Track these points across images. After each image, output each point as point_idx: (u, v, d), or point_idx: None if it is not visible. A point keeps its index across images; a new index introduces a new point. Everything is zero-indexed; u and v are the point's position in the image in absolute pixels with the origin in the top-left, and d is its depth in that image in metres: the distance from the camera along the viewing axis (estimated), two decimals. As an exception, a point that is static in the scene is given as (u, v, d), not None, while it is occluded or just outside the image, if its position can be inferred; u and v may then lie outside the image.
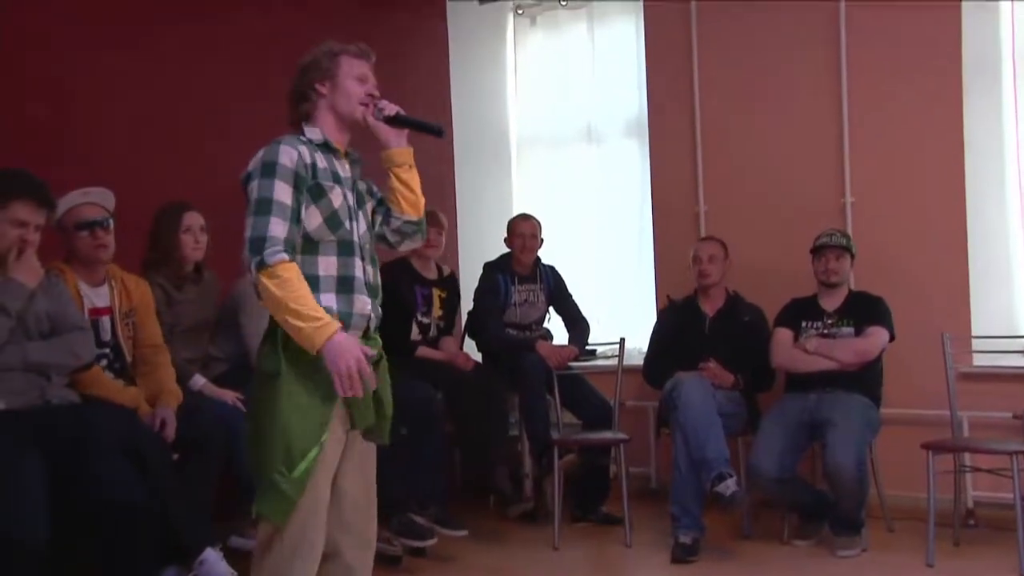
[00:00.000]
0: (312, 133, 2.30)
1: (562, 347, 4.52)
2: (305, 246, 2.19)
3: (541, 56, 5.59)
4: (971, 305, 4.27)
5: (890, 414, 4.07)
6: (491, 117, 5.64)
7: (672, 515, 3.83)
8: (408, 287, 4.26)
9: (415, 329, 4.30)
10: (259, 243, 2.12)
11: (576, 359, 4.53)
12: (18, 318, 2.75)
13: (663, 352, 4.28)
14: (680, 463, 3.80)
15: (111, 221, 3.12)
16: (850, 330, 4.01)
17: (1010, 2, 4.33)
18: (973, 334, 4.22)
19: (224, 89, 4.14)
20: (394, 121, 2.33)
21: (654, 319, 4.55)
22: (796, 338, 4.05)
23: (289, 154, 2.19)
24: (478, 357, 4.61)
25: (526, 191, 5.64)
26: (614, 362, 4.52)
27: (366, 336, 2.25)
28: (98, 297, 3.13)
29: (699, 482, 3.74)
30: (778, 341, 4.08)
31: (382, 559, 3.50)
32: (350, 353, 2.09)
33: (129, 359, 3.17)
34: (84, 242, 3.08)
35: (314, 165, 2.22)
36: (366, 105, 2.32)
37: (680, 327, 4.27)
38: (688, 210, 4.86)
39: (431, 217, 4.37)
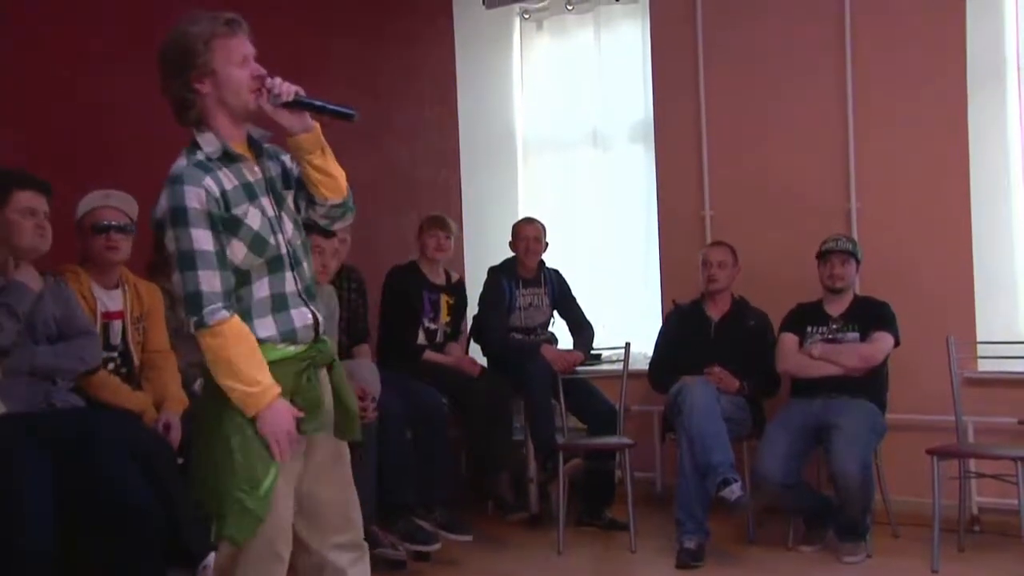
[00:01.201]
0: (207, 143, 2.09)
1: (567, 351, 4.52)
2: (236, 279, 2.07)
3: (547, 60, 5.59)
4: (976, 310, 4.25)
5: (895, 419, 4.05)
6: (498, 121, 5.64)
7: (677, 520, 3.81)
8: (416, 292, 4.26)
9: (421, 334, 4.30)
10: (195, 300, 2.01)
11: (581, 363, 4.53)
12: (26, 322, 2.75)
13: (668, 356, 4.27)
14: (685, 468, 3.79)
15: (132, 227, 3.09)
16: (855, 335, 3.99)
17: (1014, 5, 4.31)
18: (978, 339, 4.20)
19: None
20: (294, 106, 2.08)
21: (659, 323, 4.54)
22: (801, 343, 4.05)
23: (196, 195, 2.01)
24: (484, 361, 4.59)
25: (532, 195, 5.63)
26: (619, 366, 4.52)
27: (316, 341, 2.16)
28: (111, 301, 3.11)
29: (704, 487, 3.72)
30: (783, 346, 4.07)
31: (386, 563, 3.54)
32: (281, 425, 2.04)
33: (137, 363, 3.15)
34: (97, 244, 3.06)
35: (223, 194, 2.05)
36: (258, 91, 2.09)
37: (685, 332, 4.27)
38: (694, 214, 4.84)
39: (438, 221, 4.38)
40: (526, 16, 5.61)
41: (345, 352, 4.10)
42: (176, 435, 3.04)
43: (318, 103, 2.11)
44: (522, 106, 5.64)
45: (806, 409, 3.92)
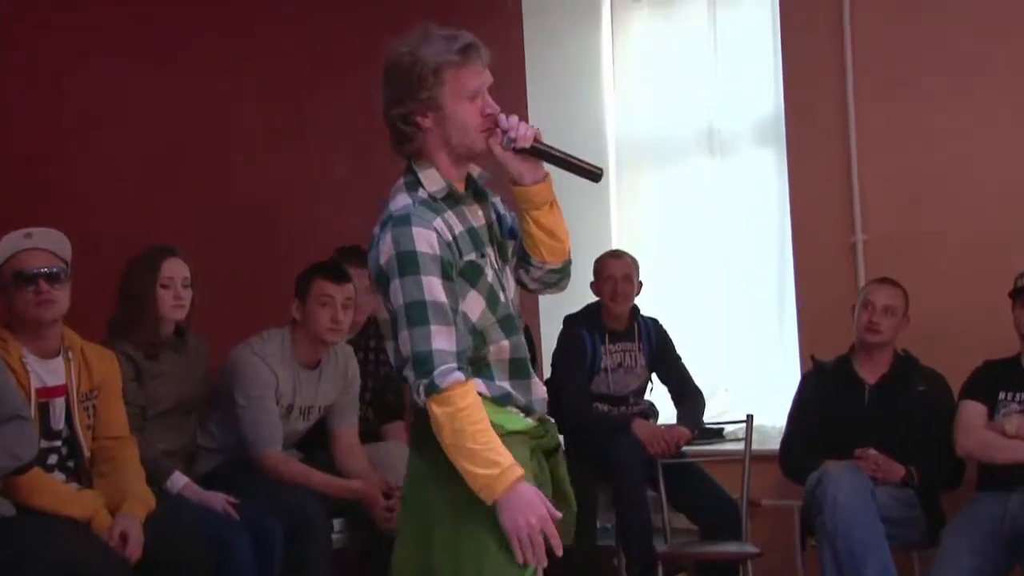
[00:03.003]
0: (431, 181, 2.27)
1: (668, 427, 4.45)
2: (473, 341, 2.25)
3: (647, 44, 5.58)
4: None
5: None
6: (582, 123, 5.61)
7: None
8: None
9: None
10: (425, 360, 2.15)
11: (689, 442, 4.45)
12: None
13: (806, 433, 4.20)
14: (830, 585, 3.77)
15: (66, 273, 3.09)
16: None
17: None
18: None
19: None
20: (530, 153, 2.26)
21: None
22: (992, 415, 3.94)
23: (427, 238, 2.18)
24: (560, 438, 4.49)
25: (628, 219, 5.63)
26: (741, 446, 4.44)
27: (542, 420, 2.35)
28: (50, 374, 3.10)
29: (856, 612, 3.69)
30: (966, 419, 3.96)
31: None
32: (532, 510, 2.14)
33: (87, 454, 3.15)
34: (23, 298, 3.04)
35: (455, 240, 2.23)
36: (489, 131, 2.27)
37: (830, 399, 4.19)
38: (841, 241, 4.76)
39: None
40: (618, -15, 5.65)
41: (373, 432, 4.08)
42: (135, 548, 2.99)
43: (558, 153, 2.28)
44: (614, 103, 5.65)
45: (999, 508, 3.77)
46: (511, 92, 5.37)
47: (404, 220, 2.19)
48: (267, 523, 3.31)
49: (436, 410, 2.14)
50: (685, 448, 4.43)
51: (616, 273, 4.51)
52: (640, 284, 4.59)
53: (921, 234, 4.57)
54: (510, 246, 2.37)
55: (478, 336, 2.25)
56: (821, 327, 4.63)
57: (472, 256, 2.25)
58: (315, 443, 3.84)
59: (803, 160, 4.87)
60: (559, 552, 2.19)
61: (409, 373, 2.16)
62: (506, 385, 2.26)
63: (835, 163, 4.75)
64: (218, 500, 3.32)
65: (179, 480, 3.35)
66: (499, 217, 2.37)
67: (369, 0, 4.88)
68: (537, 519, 2.13)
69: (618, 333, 4.55)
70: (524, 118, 5.59)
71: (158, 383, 3.44)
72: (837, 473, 3.81)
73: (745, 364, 5.23)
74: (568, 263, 2.40)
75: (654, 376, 4.66)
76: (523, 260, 2.38)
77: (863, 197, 4.70)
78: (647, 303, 4.78)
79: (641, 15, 5.57)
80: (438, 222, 2.21)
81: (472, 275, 2.24)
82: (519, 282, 2.42)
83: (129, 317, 3.44)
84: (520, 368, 2.29)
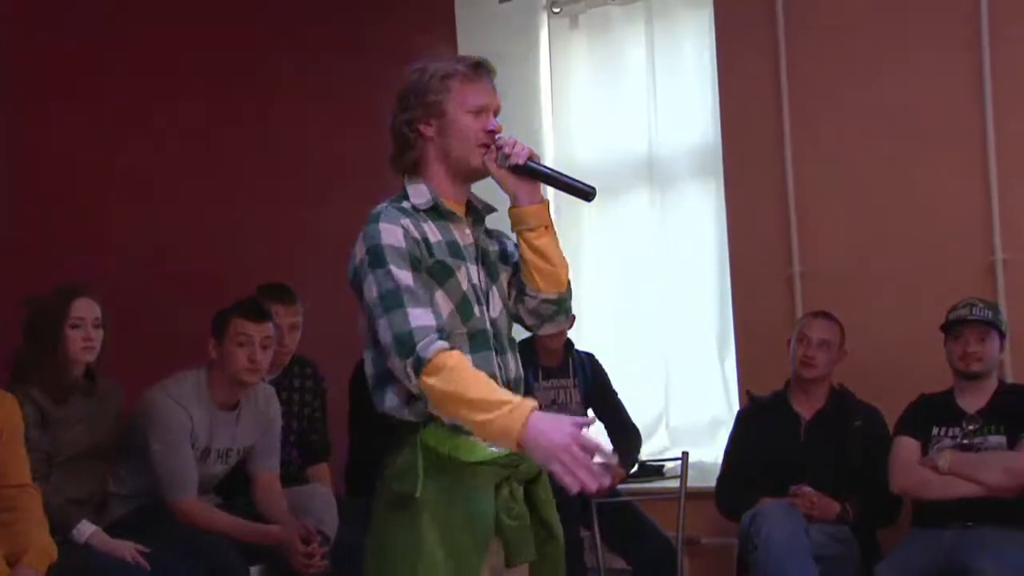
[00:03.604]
0: (417, 194, 2.35)
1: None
2: None
3: (586, 70, 5.62)
4: None
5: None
6: None
7: None
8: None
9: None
10: (407, 339, 2.19)
11: (624, 481, 4.46)
12: None
13: (742, 470, 4.22)
14: (762, 627, 3.76)
15: None
16: (1000, 439, 3.90)
17: None
18: None
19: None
20: (524, 171, 2.33)
21: (737, 425, 4.46)
22: (925, 451, 3.96)
23: (392, 232, 2.26)
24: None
25: (567, 251, 5.39)
26: (678, 484, 4.44)
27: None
28: (-55, 421, 3.10)
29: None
30: (900, 455, 3.98)
31: None
32: (557, 432, 2.08)
33: (-16, 506, 3.14)
34: None
35: (425, 240, 2.30)
36: (486, 147, 2.34)
37: (766, 435, 4.21)
38: (778, 273, 4.80)
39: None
40: (556, 10, 5.65)
41: (296, 474, 4.06)
42: (36, 601, 2.99)
43: (552, 171, 2.37)
44: (552, 130, 5.69)
45: (934, 543, 3.80)
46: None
47: (373, 218, 2.29)
48: (180, 572, 3.31)
49: (428, 381, 2.16)
50: (620, 487, 4.42)
51: (547, 307, 4.54)
52: (573, 317, 4.40)
53: (858, 266, 4.60)
54: (503, 270, 2.42)
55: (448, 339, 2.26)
56: (760, 361, 4.66)
57: (444, 259, 2.30)
58: (235, 487, 3.84)
59: (740, 190, 4.91)
60: (611, 464, 2.17)
61: (394, 360, 2.19)
62: None
63: (772, 194, 4.80)
64: (127, 549, 3.30)
65: (86, 529, 3.32)
66: (505, 251, 2.44)
67: (296, 24, 4.90)
68: (568, 436, 2.07)
69: (552, 369, 4.55)
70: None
71: (66, 428, 3.42)
72: (770, 511, 3.84)
73: (686, 399, 5.24)
74: (564, 297, 2.43)
75: (590, 412, 4.61)
76: (520, 292, 2.42)
77: (800, 228, 4.75)
78: (585, 338, 4.79)
79: (579, 41, 5.61)
80: (407, 221, 2.28)
81: (440, 274, 2.29)
82: (517, 319, 2.45)
83: (35, 359, 3.42)
84: None
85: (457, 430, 2.23)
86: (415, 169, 2.37)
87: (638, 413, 4.82)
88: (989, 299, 4.14)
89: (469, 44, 5.47)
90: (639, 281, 5.40)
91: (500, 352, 2.36)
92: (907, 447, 3.95)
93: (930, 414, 3.99)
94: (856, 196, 4.65)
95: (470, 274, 2.34)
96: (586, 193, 2.34)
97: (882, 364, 4.35)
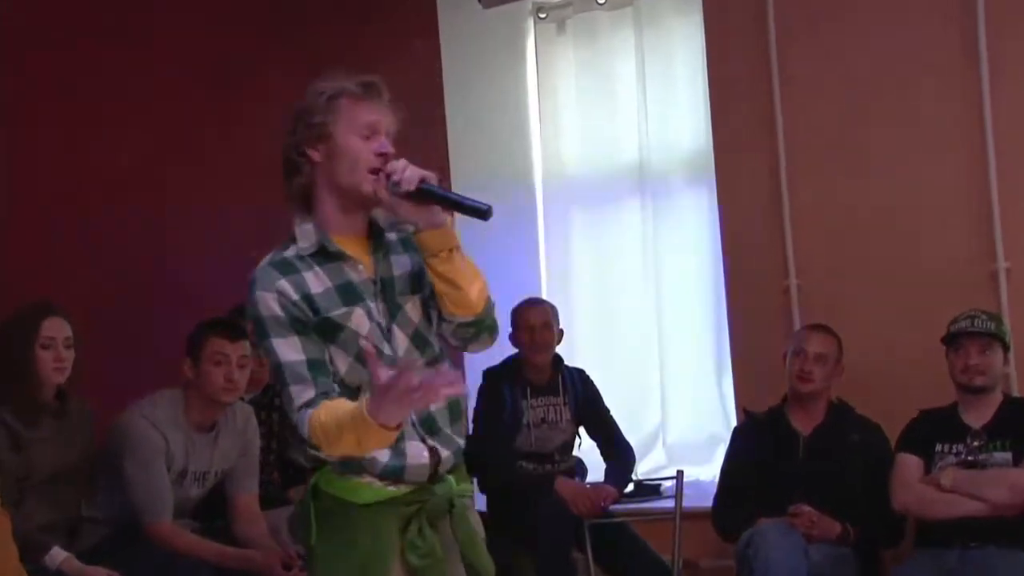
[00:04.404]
0: (303, 236, 2.34)
1: (595, 486, 4.47)
2: (348, 394, 2.29)
3: (574, 77, 5.65)
4: None
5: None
6: (507, 162, 5.69)
7: None
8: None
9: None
10: (300, 425, 2.27)
11: (617, 501, 4.48)
12: None
13: (739, 489, 4.22)
14: (760, 653, 3.77)
15: None
16: (1006, 456, 3.90)
17: None
18: None
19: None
20: (418, 196, 2.28)
21: (734, 442, 4.45)
22: (928, 468, 3.96)
23: (267, 303, 2.29)
24: (481, 502, 4.51)
25: (557, 264, 5.67)
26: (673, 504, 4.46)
27: (433, 480, 2.38)
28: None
29: None
30: (901, 473, 3.99)
31: None
32: (394, 400, 2.13)
33: (-47, 532, 3.15)
34: None
35: (307, 297, 2.30)
36: (377, 172, 2.30)
37: (763, 452, 4.22)
38: (773, 285, 4.81)
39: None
40: (542, 15, 5.69)
41: (277, 496, 4.09)
42: (7, 631, 3.00)
43: (444, 193, 2.32)
44: (541, 140, 5.72)
45: (937, 564, 3.81)
46: (430, 130, 5.41)
47: (252, 284, 2.31)
48: (155, 600, 3.33)
49: (322, 453, 2.26)
50: (614, 507, 4.44)
51: (534, 321, 4.53)
52: (561, 332, 4.61)
53: (856, 278, 4.60)
54: (408, 300, 2.38)
55: (351, 392, 2.30)
56: (757, 376, 4.67)
57: (335, 312, 2.30)
58: (213, 511, 3.86)
59: (734, 200, 4.92)
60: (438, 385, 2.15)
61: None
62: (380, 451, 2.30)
63: (767, 203, 4.81)
64: (100, 575, 3.32)
65: (58, 555, 3.34)
66: (412, 264, 2.39)
67: (276, 33, 4.96)
68: (401, 393, 2.10)
69: (540, 386, 4.57)
70: (443, 158, 5.68)
71: (37, 451, 3.44)
72: (768, 531, 3.84)
73: (683, 415, 5.27)
74: (481, 318, 2.39)
75: (582, 431, 4.67)
76: (440, 316, 2.40)
77: (796, 239, 4.76)
78: (577, 353, 4.82)
79: (566, 47, 5.64)
80: (283, 283, 2.29)
81: (329, 332, 2.30)
82: (445, 340, 2.45)
83: (5, 381, 3.44)
84: None
85: (347, 471, 2.30)
86: (305, 199, 2.36)
87: (633, 430, 4.86)
88: (992, 309, 4.15)
89: (453, 51, 5.57)
90: (632, 294, 5.43)
91: None
92: (909, 464, 3.96)
93: (933, 430, 3.99)
94: (853, 205, 4.66)
95: (372, 313, 2.34)
96: (482, 212, 2.30)
97: (882, 379, 4.38)
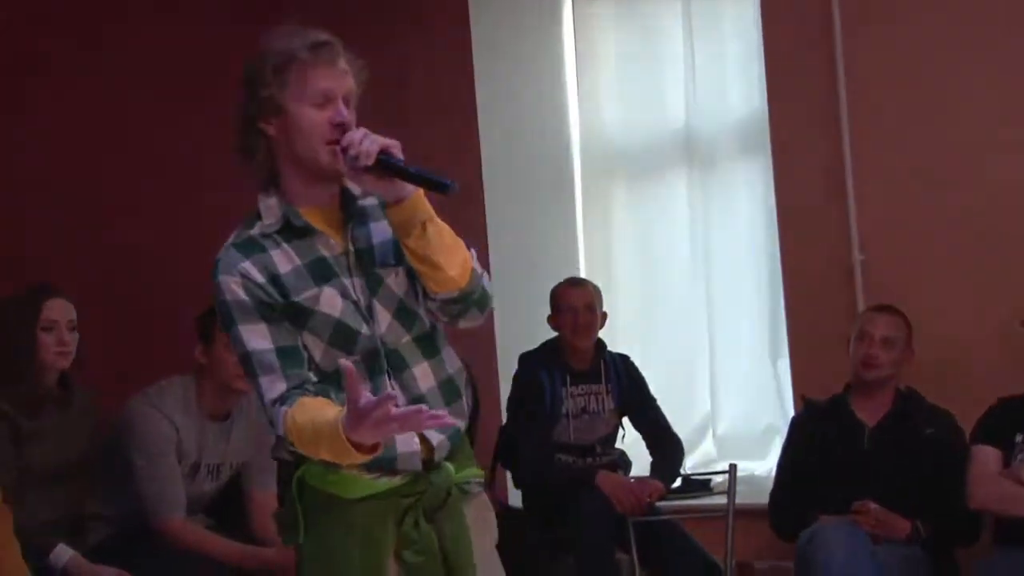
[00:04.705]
0: (268, 213, 2.33)
1: (639, 480, 4.44)
2: (326, 379, 2.29)
3: (614, 39, 5.64)
4: None
5: None
6: (541, 133, 5.68)
7: None
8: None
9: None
10: (272, 419, 2.27)
11: (664, 497, 4.47)
12: None
13: (798, 485, 4.23)
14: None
15: None
16: None
17: None
18: None
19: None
20: (378, 169, 2.24)
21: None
22: (1007, 461, 3.96)
23: (229, 287, 2.27)
24: (517, 498, 4.58)
25: (597, 242, 5.68)
26: (725, 501, 4.45)
27: (429, 468, 2.35)
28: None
29: None
30: (979, 467, 3.98)
31: None
32: (370, 428, 2.11)
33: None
34: None
35: (275, 280, 2.28)
36: (336, 143, 2.27)
37: (824, 445, 4.20)
38: (835, 261, 4.79)
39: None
40: (580, -25, 5.71)
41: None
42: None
43: (402, 165, 2.26)
44: (578, 108, 5.71)
45: (1018, 565, 3.78)
46: (456, 97, 5.45)
47: (214, 269, 2.30)
48: (167, 601, 3.35)
49: (297, 450, 2.24)
50: (661, 504, 4.44)
51: (576, 303, 4.50)
52: (604, 315, 4.60)
53: (925, 254, 4.60)
54: (390, 272, 2.35)
55: (326, 378, 2.28)
56: (817, 362, 4.65)
57: (304, 296, 2.28)
58: (228, 506, 3.86)
59: (791, 169, 4.90)
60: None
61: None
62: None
63: (828, 172, 4.79)
64: (109, 575, 3.33)
65: (63, 554, 3.36)
66: (389, 235, 2.36)
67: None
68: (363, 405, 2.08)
69: (582, 373, 4.56)
70: (474, 136, 5.64)
71: (37, 443, 3.45)
72: (831, 531, 3.83)
73: (735, 405, 5.26)
74: (467, 293, 2.34)
75: (626, 421, 4.67)
76: (425, 293, 2.38)
77: (860, 211, 4.73)
78: (619, 337, 4.80)
79: (606, 8, 5.62)
80: (246, 265, 2.27)
81: (297, 317, 2.28)
82: (433, 313, 2.41)
83: (3, 367, 3.44)
84: None
85: (334, 465, 2.25)
86: (270, 173, 2.34)
87: (680, 421, 4.84)
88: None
89: (485, 17, 5.56)
90: (678, 272, 5.42)
91: (397, 370, 2.34)
92: (986, 457, 3.95)
93: (1013, 419, 3.97)
94: (922, 174, 4.62)
95: (347, 290, 2.31)
96: (444, 187, 2.24)
97: (954, 364, 4.37)
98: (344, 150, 2.25)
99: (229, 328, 2.28)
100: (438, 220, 2.29)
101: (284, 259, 2.29)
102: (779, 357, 5.10)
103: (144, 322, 4.11)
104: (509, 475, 4.69)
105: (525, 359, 4.61)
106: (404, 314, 2.35)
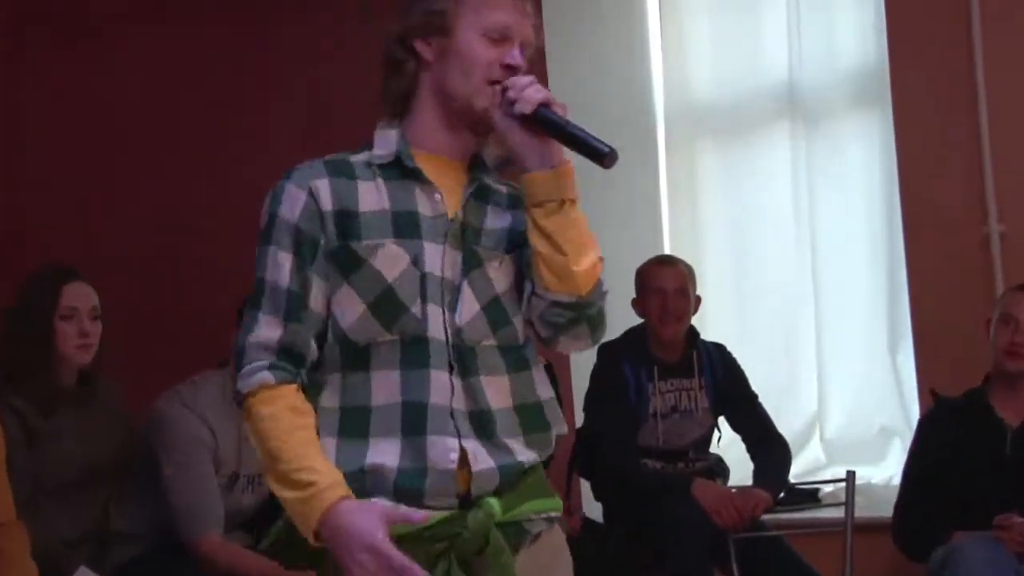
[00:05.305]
0: (382, 143, 2.29)
1: (741, 490, 4.46)
2: (349, 359, 2.21)
3: None
4: None
5: None
6: (621, 89, 5.71)
7: None
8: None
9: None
10: (239, 357, 2.22)
11: (770, 509, 4.47)
12: None
13: (928, 495, 4.22)
14: None
15: None
16: None
17: None
18: None
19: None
20: (534, 122, 2.22)
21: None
22: None
23: (294, 198, 2.23)
24: (596, 510, 4.58)
25: (684, 214, 5.70)
26: (841, 513, 4.46)
27: (466, 505, 2.21)
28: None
29: None
30: None
31: None
32: (359, 541, 2.06)
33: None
34: None
35: (343, 213, 2.22)
36: (494, 86, 2.24)
37: (959, 448, 4.19)
38: (968, 232, 4.82)
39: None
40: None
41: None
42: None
43: (565, 124, 2.23)
44: (663, 61, 5.77)
45: None
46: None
47: (288, 172, 2.26)
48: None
49: (246, 422, 2.20)
50: (765, 517, 4.44)
51: (666, 285, 4.48)
52: (698, 299, 4.58)
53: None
54: (495, 258, 2.29)
55: (358, 353, 2.19)
56: (947, 351, 4.69)
57: (368, 243, 2.20)
58: (270, 523, 3.86)
59: (916, 126, 4.90)
60: None
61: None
62: (387, 445, 2.17)
63: (960, 129, 4.80)
64: (136, 604, 3.40)
65: (85, 575, 3.37)
66: (513, 220, 2.32)
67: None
68: (368, 551, 2.03)
69: (671, 366, 4.56)
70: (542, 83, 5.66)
71: (55, 447, 3.47)
72: (969, 549, 3.83)
73: (846, 402, 5.27)
74: (585, 304, 2.25)
75: (722, 422, 4.67)
76: (530, 291, 2.29)
77: (998, 174, 4.74)
78: (710, 325, 4.80)
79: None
80: (321, 183, 2.22)
81: (345, 263, 2.20)
82: (531, 326, 2.32)
83: (17, 360, 3.47)
84: (413, 418, 2.18)
85: (353, 481, 2.15)
86: (404, 106, 2.30)
87: (783, 422, 4.83)
88: None
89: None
90: (780, 248, 5.44)
91: (465, 373, 2.22)
92: None
93: None
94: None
95: (423, 259, 2.22)
96: (602, 156, 2.19)
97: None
98: (504, 90, 2.22)
99: (262, 244, 2.23)
100: (579, 209, 2.24)
101: (372, 197, 2.23)
102: (899, 347, 5.10)
103: (176, 311, 4.13)
104: (590, 485, 4.69)
105: (605, 350, 4.54)
106: (496, 311, 2.27)
